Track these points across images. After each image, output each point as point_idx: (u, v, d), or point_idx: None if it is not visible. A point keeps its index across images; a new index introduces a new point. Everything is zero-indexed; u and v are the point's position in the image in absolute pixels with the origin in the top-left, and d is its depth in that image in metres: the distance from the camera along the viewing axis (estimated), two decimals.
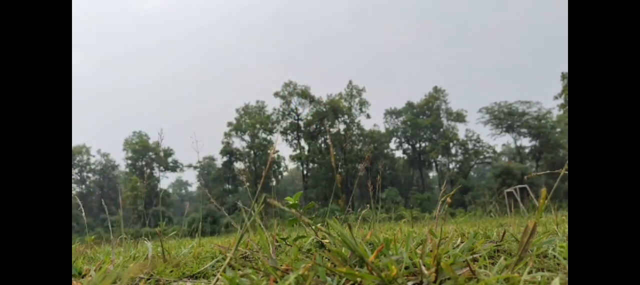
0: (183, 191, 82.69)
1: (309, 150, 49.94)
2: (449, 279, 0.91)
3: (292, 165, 54.82)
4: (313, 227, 1.39)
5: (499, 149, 54.94)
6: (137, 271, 1.31)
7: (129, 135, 55.56)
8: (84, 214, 2.71)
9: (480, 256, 1.26)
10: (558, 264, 1.14)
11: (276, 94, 50.68)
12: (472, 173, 58.60)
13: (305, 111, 51.03)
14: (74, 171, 59.57)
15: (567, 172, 1.11)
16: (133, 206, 42.58)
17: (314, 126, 50.40)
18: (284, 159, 52.21)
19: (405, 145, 56.46)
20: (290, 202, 1.92)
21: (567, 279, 0.78)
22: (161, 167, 51.26)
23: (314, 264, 0.97)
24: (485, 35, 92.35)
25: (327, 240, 1.51)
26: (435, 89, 54.17)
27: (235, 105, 65.40)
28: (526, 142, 51.85)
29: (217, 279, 1.04)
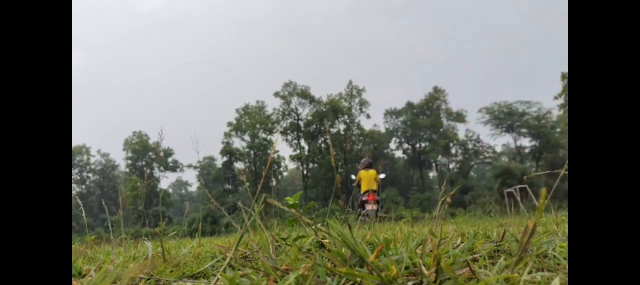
0: (183, 191, 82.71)
1: (309, 150, 49.94)
2: (449, 279, 0.91)
3: (292, 165, 54.88)
4: (313, 227, 1.39)
5: (499, 149, 54.93)
6: (137, 271, 1.30)
7: (129, 135, 55.63)
8: (84, 214, 2.71)
9: (480, 256, 1.26)
10: (558, 264, 1.14)
11: (276, 94, 50.68)
12: (472, 173, 58.59)
13: (305, 111, 51.06)
14: (74, 171, 59.53)
15: (567, 172, 1.11)
16: (133, 206, 42.58)
17: (314, 126, 50.39)
18: (284, 159, 52.24)
19: (405, 145, 56.47)
20: (290, 202, 1.92)
21: (567, 279, 0.78)
22: (161, 167, 51.26)
23: (314, 264, 0.97)
24: (485, 35, 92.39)
25: (327, 240, 1.51)
26: (435, 89, 54.16)
27: (235, 105, 65.50)
28: (526, 142, 51.87)
29: (217, 279, 1.04)
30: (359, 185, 8.40)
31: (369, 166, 8.68)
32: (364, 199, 8.12)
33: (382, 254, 1.20)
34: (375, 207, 7.76)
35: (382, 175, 7.73)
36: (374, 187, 8.10)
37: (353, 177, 9.20)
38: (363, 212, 7.12)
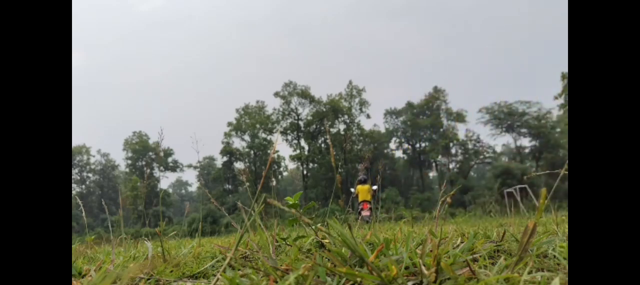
0: (183, 191, 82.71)
1: (309, 150, 49.93)
2: (449, 279, 0.91)
3: (292, 165, 54.86)
4: (313, 227, 1.40)
5: (499, 149, 54.91)
6: (137, 271, 1.30)
7: (129, 135, 55.61)
8: (84, 214, 2.71)
9: (480, 256, 1.26)
10: (558, 264, 1.14)
11: (276, 94, 50.68)
12: (472, 173, 58.56)
13: (305, 111, 51.06)
14: (74, 171, 59.51)
15: (567, 172, 1.11)
16: (133, 206, 42.56)
17: (314, 126, 50.38)
18: (284, 159, 52.22)
19: (405, 145, 56.43)
20: (290, 202, 1.92)
21: (567, 279, 0.78)
22: (161, 167, 51.22)
23: (314, 264, 0.97)
24: (485, 35, 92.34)
25: (327, 240, 1.51)
26: (435, 89, 54.11)
27: (235, 105, 65.48)
28: (526, 142, 51.85)
29: (217, 279, 1.04)
30: (356, 196, 10.89)
31: (364, 182, 11.05)
32: (360, 207, 10.67)
33: (382, 254, 1.20)
34: (368, 213, 10.35)
35: (374, 187, 9.83)
36: (368, 198, 10.65)
37: (353, 189, 11.25)
38: (359, 216, 9.63)
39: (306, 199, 41.53)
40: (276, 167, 51.55)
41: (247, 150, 50.54)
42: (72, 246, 3.07)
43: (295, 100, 50.88)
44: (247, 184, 3.05)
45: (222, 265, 1.37)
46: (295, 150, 50.44)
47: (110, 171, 65.37)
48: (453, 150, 52.99)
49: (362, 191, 10.71)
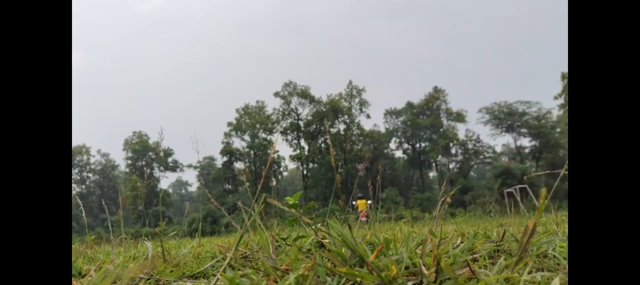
0: (183, 191, 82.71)
1: (309, 150, 49.93)
2: (449, 279, 0.91)
3: (292, 165, 54.84)
4: (313, 227, 1.40)
5: (499, 149, 54.92)
6: (137, 271, 1.31)
7: (129, 135, 55.60)
8: (84, 214, 2.71)
9: (480, 256, 1.26)
10: (558, 264, 1.14)
11: (276, 94, 50.68)
12: (472, 173, 58.54)
13: (305, 111, 51.06)
14: (74, 171, 59.49)
15: (567, 172, 1.11)
16: (133, 206, 42.55)
17: (314, 126, 50.38)
18: (284, 159, 52.22)
19: (405, 145, 56.40)
20: (290, 202, 1.92)
21: (567, 279, 0.78)
22: (161, 167, 51.19)
23: (314, 264, 0.97)
24: (485, 35, 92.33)
25: (327, 240, 1.51)
26: (435, 89, 54.09)
27: (235, 105, 65.48)
28: (526, 142, 51.85)
29: (217, 279, 1.04)
30: (356, 207, 13.12)
31: (363, 198, 14.01)
32: (359, 213, 12.94)
33: (382, 254, 1.20)
34: (365, 219, 12.49)
35: (369, 202, 12.13)
36: (365, 209, 12.90)
37: (354, 203, 13.30)
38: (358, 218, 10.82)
39: (306, 199, 41.51)
40: (276, 167, 51.53)
41: (247, 150, 50.54)
42: (72, 246, 3.08)
43: (295, 100, 50.89)
44: (247, 184, 3.06)
45: (222, 265, 1.37)
46: (295, 150, 50.43)
47: (110, 171, 65.35)
48: (453, 150, 52.99)
49: (361, 204, 13.75)
